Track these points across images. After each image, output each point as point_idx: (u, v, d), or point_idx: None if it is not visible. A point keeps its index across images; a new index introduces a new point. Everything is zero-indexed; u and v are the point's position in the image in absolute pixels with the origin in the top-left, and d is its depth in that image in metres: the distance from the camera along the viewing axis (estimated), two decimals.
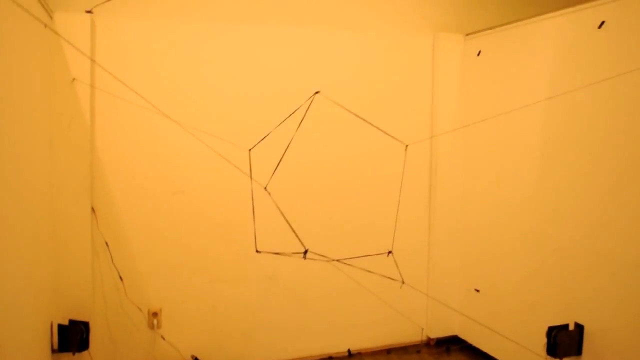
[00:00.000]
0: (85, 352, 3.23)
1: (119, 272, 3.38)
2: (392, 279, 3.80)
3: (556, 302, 3.28)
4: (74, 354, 3.19)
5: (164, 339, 3.47)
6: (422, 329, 4.10)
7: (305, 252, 3.49)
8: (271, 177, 3.46)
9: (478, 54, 3.85)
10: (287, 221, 3.45)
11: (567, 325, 3.17)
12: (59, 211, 3.20)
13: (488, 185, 3.83)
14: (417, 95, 3.96)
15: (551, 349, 3.16)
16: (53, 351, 3.11)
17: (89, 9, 3.21)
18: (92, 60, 3.21)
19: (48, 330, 3.07)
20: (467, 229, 4.00)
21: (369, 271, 3.77)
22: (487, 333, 3.74)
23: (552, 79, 3.26)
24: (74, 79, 3.17)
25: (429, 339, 4.11)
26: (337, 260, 3.69)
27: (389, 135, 3.75)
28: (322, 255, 3.65)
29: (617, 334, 2.93)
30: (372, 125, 3.71)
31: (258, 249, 3.47)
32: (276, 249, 3.57)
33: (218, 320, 3.64)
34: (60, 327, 3.14)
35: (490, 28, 3.74)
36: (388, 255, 3.76)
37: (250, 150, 3.46)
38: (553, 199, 3.27)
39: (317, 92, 3.58)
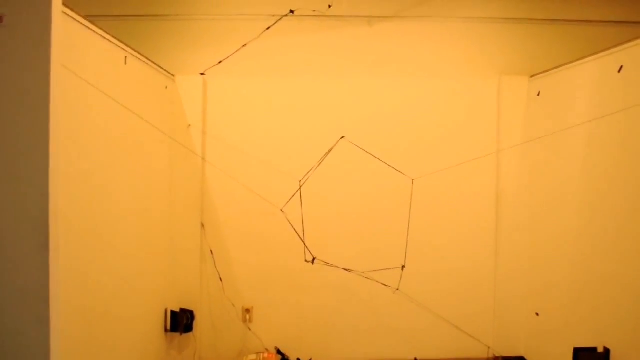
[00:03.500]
0: (190, 334, 4.18)
1: (219, 275, 4.30)
2: (387, 286, 4.33)
3: (591, 325, 3.48)
4: (181, 334, 4.15)
5: (250, 330, 4.31)
6: (489, 347, 4.41)
7: (313, 259, 4.15)
8: (288, 202, 4.22)
9: (538, 94, 4.16)
10: (297, 233, 4.18)
11: (595, 348, 3.37)
12: (176, 225, 4.22)
13: (544, 213, 4.10)
14: (482, 135, 4.37)
15: None
16: (166, 330, 4.10)
17: (202, 72, 4.24)
18: (204, 111, 4.23)
19: (163, 314, 4.07)
20: (530, 255, 4.27)
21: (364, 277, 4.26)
22: (549, 356, 3.98)
23: (589, 117, 3.53)
24: (189, 125, 4.19)
25: (495, 358, 4.40)
26: (352, 271, 4.26)
27: (399, 173, 4.24)
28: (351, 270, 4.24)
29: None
30: (388, 165, 4.26)
31: (306, 259, 4.19)
32: (331, 261, 4.29)
33: (299, 321, 4.39)
34: (172, 312, 4.13)
35: (546, 71, 4.05)
36: (402, 269, 4.24)
37: (300, 181, 4.22)
38: (594, 228, 3.50)
39: (342, 137, 4.25)
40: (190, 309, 4.21)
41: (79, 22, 2.56)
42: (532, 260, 4.27)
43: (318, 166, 4.21)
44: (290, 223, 4.13)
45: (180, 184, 4.22)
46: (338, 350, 4.41)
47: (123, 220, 3.26)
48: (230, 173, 4.29)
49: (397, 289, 4.30)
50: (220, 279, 4.32)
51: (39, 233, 1.95)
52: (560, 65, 3.88)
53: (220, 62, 4.23)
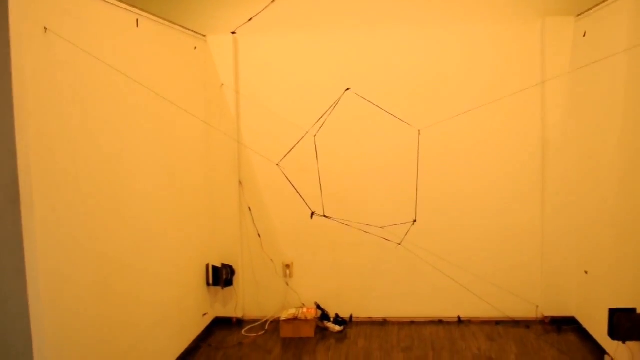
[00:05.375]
0: (230, 288, 4.33)
1: (257, 231, 4.39)
2: (389, 240, 4.23)
3: (632, 285, 3.20)
4: (222, 289, 4.31)
5: (287, 285, 4.39)
6: (537, 306, 4.18)
7: (312, 214, 4.12)
8: (284, 157, 4.23)
9: (584, 35, 3.77)
10: (295, 188, 4.18)
11: (634, 309, 3.10)
12: (215, 184, 4.34)
13: (590, 164, 3.78)
14: (525, 82, 4.05)
15: (610, 330, 3.13)
16: (208, 284, 4.27)
17: (233, 31, 4.26)
18: (236, 70, 4.27)
19: (204, 269, 4.24)
20: (577, 208, 3.97)
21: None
22: (599, 318, 3.72)
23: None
24: (222, 84, 4.25)
25: (544, 317, 4.17)
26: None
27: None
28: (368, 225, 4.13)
29: None
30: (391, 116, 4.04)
31: (326, 215, 4.14)
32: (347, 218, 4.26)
33: (337, 277, 4.41)
34: (213, 267, 4.28)
35: (592, 8, 3.65)
36: (413, 223, 4.07)
37: (314, 136, 4.16)
38: (634, 178, 3.19)
39: (346, 89, 4.12)
40: (230, 264, 4.35)
41: None
42: (579, 211, 3.98)
43: (327, 114, 4.15)
44: (287, 178, 4.11)
45: (217, 144, 4.30)
46: (377, 307, 4.39)
47: (151, 181, 3.39)
48: (262, 129, 4.34)
49: (400, 242, 4.21)
50: (259, 234, 4.41)
51: (9, 189, 2.09)
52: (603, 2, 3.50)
53: (250, 20, 4.21)
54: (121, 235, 3.04)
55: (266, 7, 4.17)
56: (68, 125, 2.56)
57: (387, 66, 4.22)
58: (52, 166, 2.41)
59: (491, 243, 4.23)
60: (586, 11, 3.78)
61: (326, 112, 4.13)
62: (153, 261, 3.41)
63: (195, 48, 4.08)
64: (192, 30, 4.04)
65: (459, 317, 4.32)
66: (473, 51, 4.15)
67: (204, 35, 4.22)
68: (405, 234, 4.18)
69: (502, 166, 4.18)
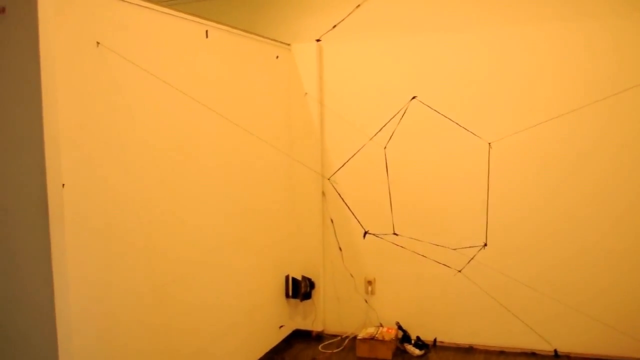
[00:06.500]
0: (309, 301, 4.23)
1: (339, 244, 4.25)
2: (448, 267, 3.93)
3: None
4: (301, 301, 4.23)
5: (366, 302, 4.19)
6: None
7: (365, 233, 3.93)
8: (337, 171, 4.05)
9: None
10: (348, 207, 4.03)
11: None
12: (298, 195, 4.28)
13: None
14: (630, 80, 3.53)
15: None
16: (287, 296, 4.22)
17: (318, 38, 4.16)
18: (320, 78, 4.17)
19: (284, 281, 4.19)
20: None
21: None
22: None
23: None
24: (306, 93, 4.17)
25: None
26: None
27: None
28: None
29: None
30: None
31: (395, 232, 3.87)
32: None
33: (421, 296, 4.13)
34: (293, 279, 4.21)
35: None
36: (484, 247, 3.64)
37: (385, 147, 3.94)
38: None
39: (413, 98, 3.91)
40: (310, 277, 4.26)
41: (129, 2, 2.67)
42: None
43: (390, 124, 3.88)
44: (341, 196, 3.90)
45: (301, 154, 4.22)
46: (464, 332, 4.04)
47: (223, 193, 3.42)
48: (346, 140, 4.19)
49: (460, 269, 3.80)
50: (340, 248, 4.26)
51: (39, 202, 2.14)
52: None
53: (334, 27, 4.10)
54: (181, 248, 3.05)
55: (350, 12, 4.04)
56: (123, 140, 2.60)
57: (466, 70, 3.89)
58: (100, 171, 2.47)
59: (592, 270, 3.72)
60: None
61: (388, 121, 3.97)
62: (220, 271, 3.41)
63: (277, 57, 4.04)
64: (274, 39, 4.00)
65: (555, 351, 3.84)
66: (562, 50, 3.68)
67: (288, 44, 4.17)
68: (471, 259, 3.90)
69: (605, 179, 3.66)
